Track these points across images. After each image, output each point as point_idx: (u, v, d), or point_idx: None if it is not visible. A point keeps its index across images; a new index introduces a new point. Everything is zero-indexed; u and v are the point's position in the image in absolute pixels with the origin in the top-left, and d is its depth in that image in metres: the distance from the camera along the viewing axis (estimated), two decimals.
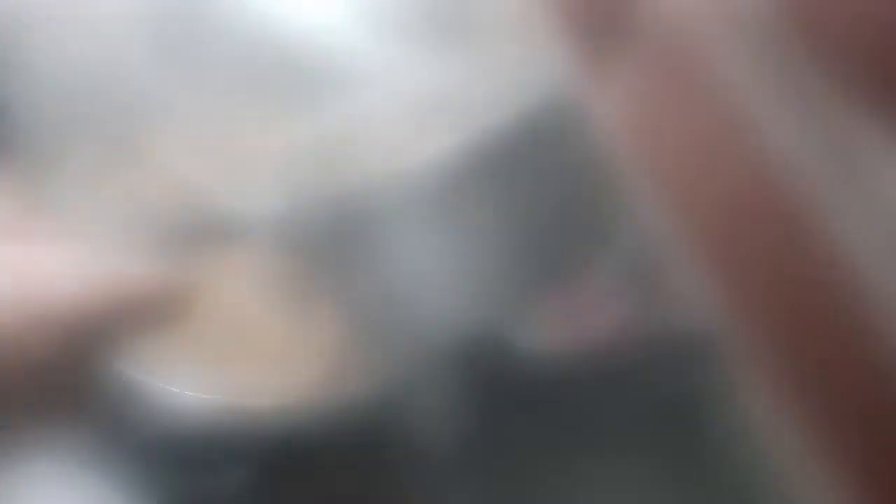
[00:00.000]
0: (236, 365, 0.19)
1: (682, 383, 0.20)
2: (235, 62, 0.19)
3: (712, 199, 0.19)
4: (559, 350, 0.20)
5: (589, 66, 0.19)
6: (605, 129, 0.19)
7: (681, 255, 0.19)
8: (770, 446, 0.19)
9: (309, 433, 0.19)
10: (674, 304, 0.20)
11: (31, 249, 0.19)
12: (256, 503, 0.20)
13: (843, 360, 0.19)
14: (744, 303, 0.19)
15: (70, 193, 0.19)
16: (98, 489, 0.19)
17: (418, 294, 0.20)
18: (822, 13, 0.18)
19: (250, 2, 0.19)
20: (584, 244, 0.20)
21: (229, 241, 0.19)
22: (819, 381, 0.19)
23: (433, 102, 0.19)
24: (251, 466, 0.19)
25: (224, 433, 0.19)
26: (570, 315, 0.20)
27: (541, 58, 0.20)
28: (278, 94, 0.19)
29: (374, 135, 0.19)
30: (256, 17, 0.19)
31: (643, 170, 0.19)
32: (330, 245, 0.20)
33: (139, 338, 0.19)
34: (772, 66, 0.19)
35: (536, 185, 0.20)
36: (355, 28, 0.19)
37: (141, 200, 0.19)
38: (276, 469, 0.19)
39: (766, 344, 0.19)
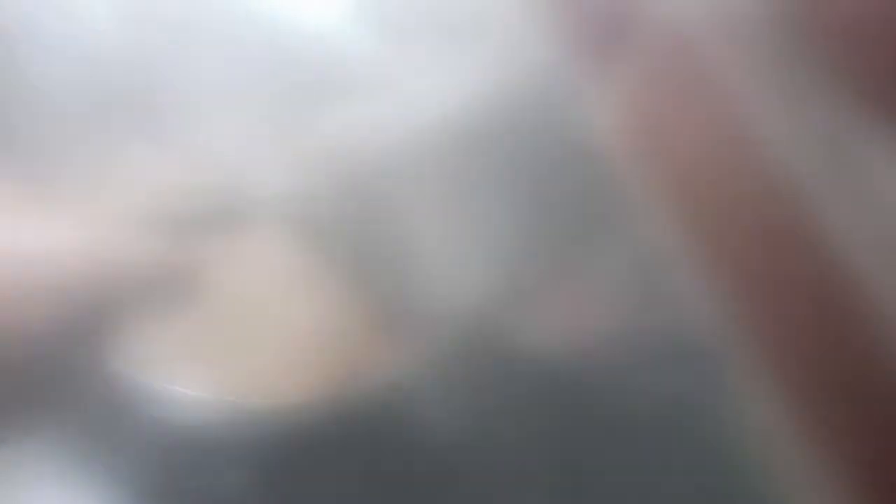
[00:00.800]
0: (241, 363, 0.19)
1: (682, 383, 0.20)
2: (241, 57, 0.19)
3: (712, 199, 0.19)
4: (558, 349, 0.20)
5: (590, 66, 0.19)
6: (605, 130, 0.20)
7: (681, 254, 0.19)
8: (770, 447, 0.19)
9: (312, 433, 0.19)
10: (674, 303, 0.20)
11: (33, 226, 0.19)
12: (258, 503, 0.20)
13: (844, 360, 0.19)
14: (744, 302, 0.19)
15: (75, 173, 0.19)
16: (97, 489, 0.19)
17: (421, 292, 0.20)
18: (823, 14, 0.19)
19: (258, 3, 0.20)
20: (584, 243, 0.20)
21: (238, 228, 0.19)
22: (819, 382, 0.19)
23: (435, 99, 0.19)
24: (253, 467, 0.19)
25: (227, 433, 0.19)
26: (570, 314, 0.20)
27: (541, 57, 0.20)
28: (286, 86, 0.19)
29: (379, 127, 0.19)
30: (263, 16, 0.19)
31: (643, 170, 0.19)
32: (337, 237, 0.20)
33: (140, 321, 0.19)
34: (773, 66, 0.19)
35: (535, 184, 0.20)
36: (360, 26, 0.19)
37: (148, 182, 0.19)
38: (279, 469, 0.19)
39: (766, 344, 0.19)
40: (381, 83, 0.19)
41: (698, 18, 0.19)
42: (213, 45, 0.19)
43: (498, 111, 0.20)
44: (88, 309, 0.19)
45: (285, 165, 0.19)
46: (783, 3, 0.19)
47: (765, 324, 0.19)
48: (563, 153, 0.20)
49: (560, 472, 0.20)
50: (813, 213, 0.19)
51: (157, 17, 0.19)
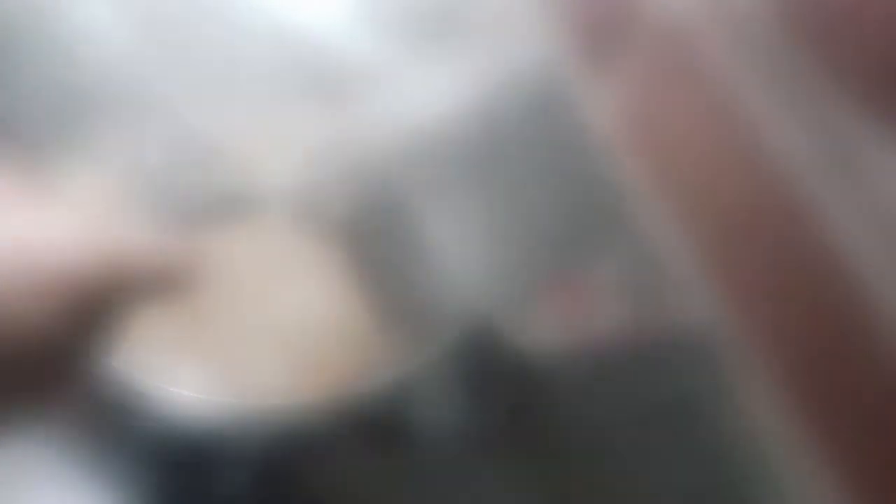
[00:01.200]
0: (242, 362, 0.19)
1: (681, 382, 0.20)
2: (243, 57, 0.19)
3: (712, 198, 0.19)
4: (559, 349, 0.20)
5: (590, 65, 0.19)
6: (605, 129, 0.20)
7: (681, 254, 0.19)
8: (769, 445, 0.19)
9: (313, 433, 0.19)
10: (674, 303, 0.20)
11: (36, 218, 0.19)
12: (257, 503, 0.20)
13: (843, 359, 0.19)
14: (743, 301, 0.19)
15: (77, 165, 0.19)
16: (97, 489, 0.19)
17: (423, 291, 0.20)
18: (822, 13, 0.19)
19: (260, 3, 0.20)
20: (584, 244, 0.20)
21: (238, 228, 0.19)
22: (819, 381, 0.19)
23: (435, 98, 0.19)
24: (254, 467, 0.19)
25: (227, 433, 0.19)
26: (571, 314, 0.20)
27: (542, 56, 0.20)
28: (288, 84, 0.19)
29: (380, 125, 0.19)
30: (265, 16, 0.19)
31: (644, 170, 0.19)
32: (339, 236, 0.20)
33: (142, 320, 0.19)
34: (772, 65, 0.19)
35: (536, 185, 0.20)
36: (360, 26, 0.19)
37: (151, 178, 0.19)
38: (279, 469, 0.19)
39: (765, 342, 0.19)
40: (381, 82, 0.19)
41: (698, 17, 0.19)
42: (217, 44, 0.19)
43: (498, 110, 0.20)
44: (89, 307, 0.19)
45: (288, 163, 0.19)
46: (783, 3, 0.19)
47: (766, 321, 0.19)
48: (562, 152, 0.20)
49: (561, 471, 0.20)
50: (812, 212, 0.19)
51: (164, 16, 0.19)
